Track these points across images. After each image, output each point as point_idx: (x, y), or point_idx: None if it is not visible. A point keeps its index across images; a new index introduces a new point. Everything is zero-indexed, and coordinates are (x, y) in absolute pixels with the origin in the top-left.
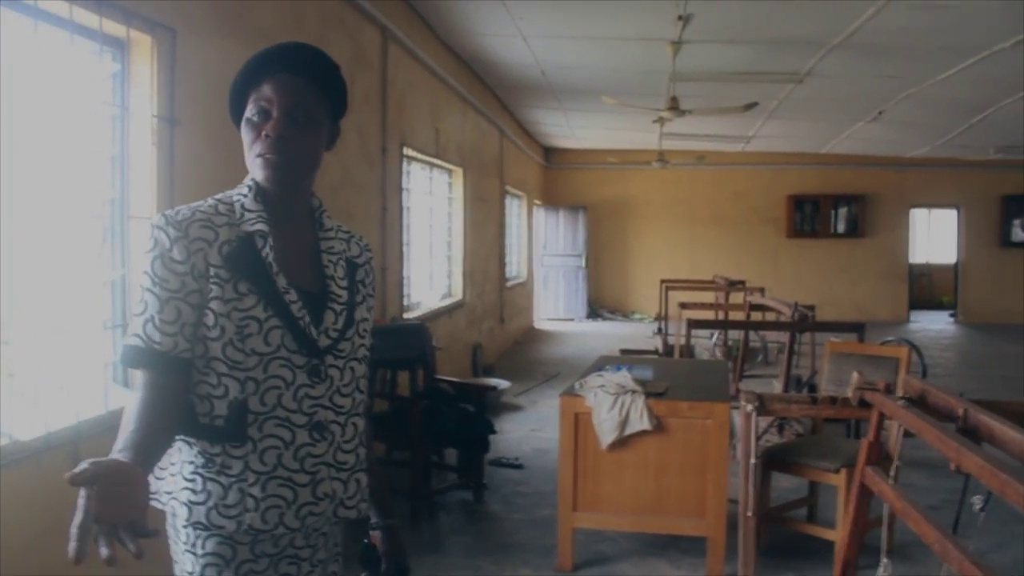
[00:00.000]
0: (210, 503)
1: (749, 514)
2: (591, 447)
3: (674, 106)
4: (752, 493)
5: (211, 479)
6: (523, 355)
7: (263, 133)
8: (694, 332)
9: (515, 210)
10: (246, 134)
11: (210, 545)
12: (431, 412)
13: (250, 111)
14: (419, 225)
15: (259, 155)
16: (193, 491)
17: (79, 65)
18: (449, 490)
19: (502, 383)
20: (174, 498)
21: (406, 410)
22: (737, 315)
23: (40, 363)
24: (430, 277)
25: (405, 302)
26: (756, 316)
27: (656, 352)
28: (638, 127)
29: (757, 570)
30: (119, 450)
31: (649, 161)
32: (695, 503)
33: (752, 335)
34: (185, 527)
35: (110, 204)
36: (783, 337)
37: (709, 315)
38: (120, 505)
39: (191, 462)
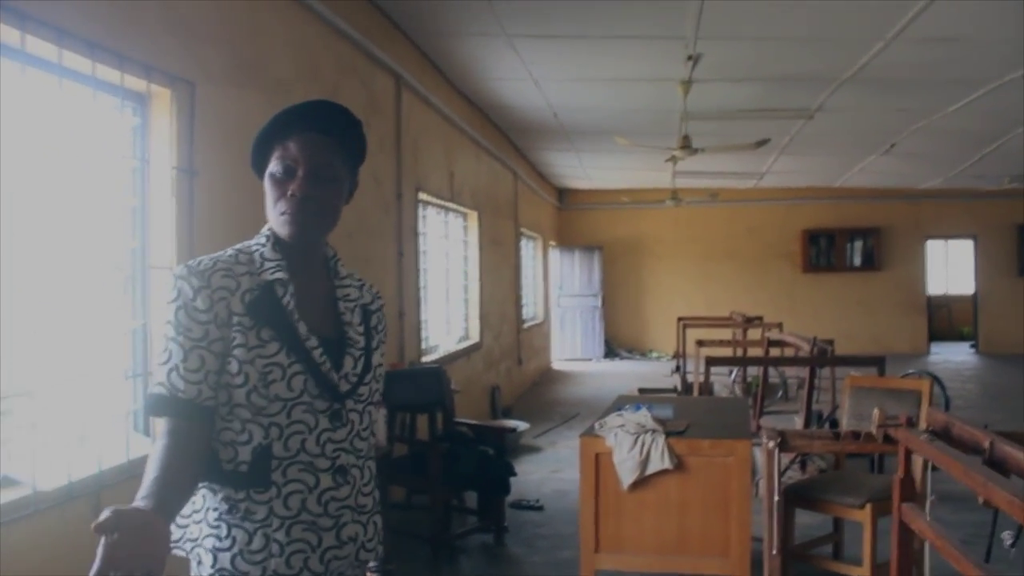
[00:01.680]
0: (235, 549)
1: (774, 552)
2: (612, 487)
3: (686, 144)
4: (777, 530)
5: (236, 525)
6: (541, 396)
7: (288, 192)
8: (713, 369)
9: (530, 251)
10: (270, 189)
11: None
12: (451, 455)
13: (275, 166)
14: (435, 268)
15: (283, 213)
16: (218, 537)
17: (101, 119)
18: (469, 533)
19: (521, 425)
20: (199, 546)
21: (426, 454)
22: (755, 351)
23: (62, 413)
24: (447, 320)
25: (423, 345)
26: (774, 352)
27: (675, 390)
28: (651, 166)
29: None
30: (142, 497)
31: (662, 200)
32: (718, 542)
33: (771, 371)
34: (214, 570)
35: (131, 254)
36: (802, 373)
37: (727, 352)
38: (137, 553)
39: (215, 508)
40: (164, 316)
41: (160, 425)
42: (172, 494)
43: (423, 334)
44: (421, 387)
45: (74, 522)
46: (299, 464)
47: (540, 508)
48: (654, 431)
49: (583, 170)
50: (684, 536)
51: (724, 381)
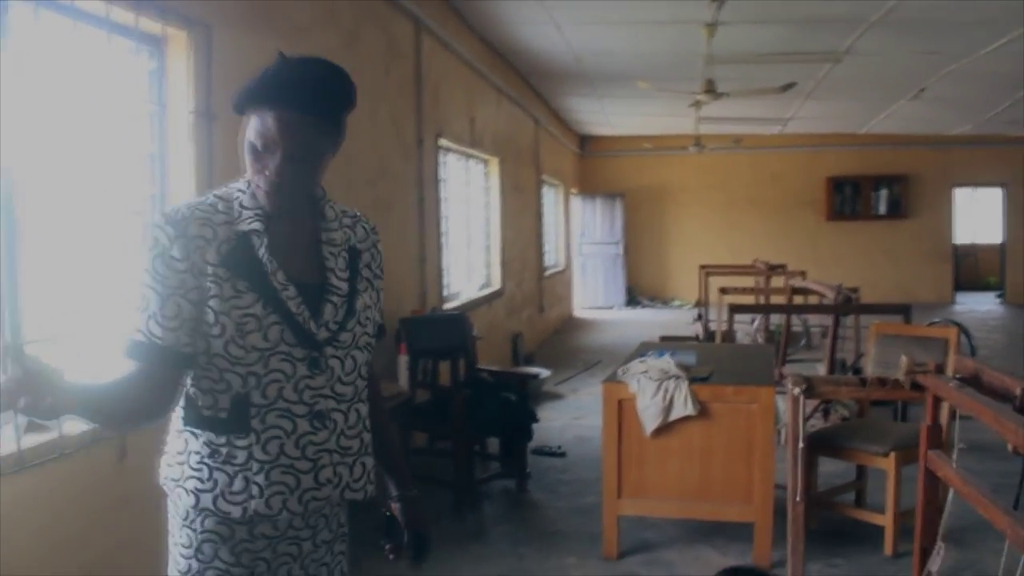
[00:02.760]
0: (217, 490)
1: (797, 499)
2: (635, 434)
3: (710, 89)
4: (800, 477)
5: (217, 468)
6: (563, 344)
7: (265, 171)
8: (735, 318)
9: (552, 199)
10: (248, 154)
11: (209, 523)
12: (473, 402)
13: (253, 134)
14: (456, 215)
15: (260, 187)
16: (200, 480)
17: (117, 63)
18: (492, 479)
19: (543, 371)
20: (180, 485)
21: (448, 400)
22: (778, 300)
23: (85, 358)
24: (468, 267)
25: (444, 292)
26: (798, 300)
27: (697, 338)
28: (674, 112)
29: (805, 556)
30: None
31: (685, 146)
32: (741, 489)
33: (794, 319)
34: (196, 509)
35: (150, 200)
36: (826, 321)
37: (750, 300)
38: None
39: (197, 452)
40: (141, 263)
41: (131, 367)
42: (94, 399)
43: (444, 280)
44: (443, 333)
45: (99, 466)
46: (277, 411)
47: (562, 454)
48: (677, 377)
49: (605, 116)
50: (707, 483)
51: (746, 330)
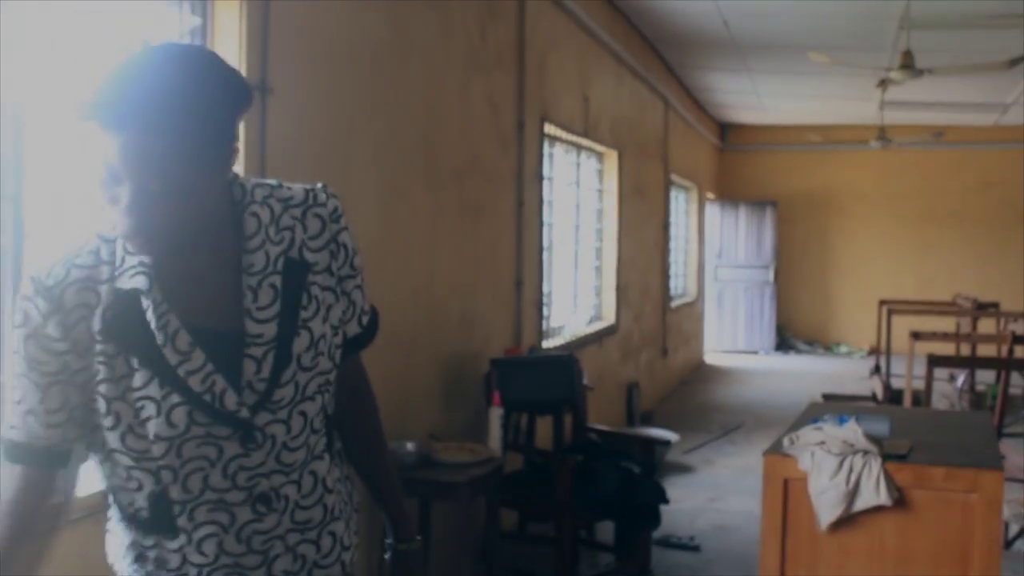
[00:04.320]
0: None
1: None
2: (805, 526)
3: (907, 63)
4: None
5: (151, 574)
6: (691, 399)
7: (116, 202)
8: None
9: (681, 205)
10: (98, 187)
11: None
12: (584, 473)
13: (97, 160)
14: (562, 224)
15: (120, 232)
16: None
17: (153, 18)
18: None
19: (673, 436)
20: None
21: (549, 468)
22: (988, 350)
23: None
24: (574, 294)
25: (544, 326)
26: (1019, 352)
27: (873, 399)
28: (850, 94)
29: None
30: None
31: (865, 140)
32: None
33: (1014, 378)
34: None
35: None
36: None
37: (949, 350)
38: None
39: (125, 557)
40: (11, 343)
41: (11, 471)
42: None
43: (545, 311)
44: (544, 380)
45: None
46: (207, 504)
47: (696, 548)
48: (866, 452)
49: (757, 98)
50: None
51: (943, 390)
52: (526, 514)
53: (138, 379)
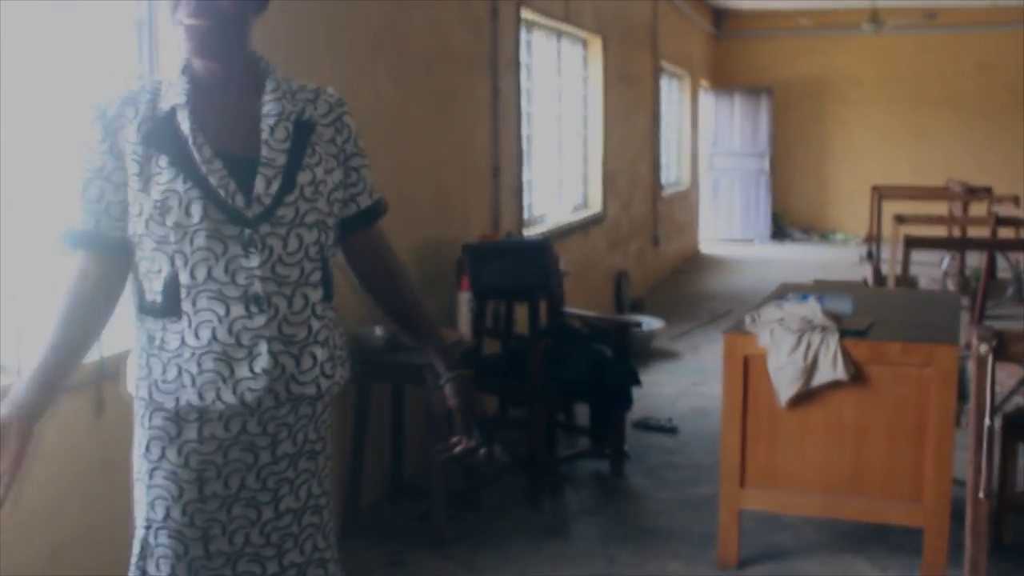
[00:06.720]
0: (152, 379)
1: (980, 496)
2: (765, 403)
3: None
4: (985, 468)
5: (153, 356)
6: (684, 287)
7: (176, 17)
8: (919, 257)
9: (674, 94)
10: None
11: (157, 420)
12: (556, 356)
13: None
14: (544, 114)
15: (179, 22)
16: (140, 367)
17: None
18: (579, 458)
19: (653, 322)
20: (130, 377)
21: (523, 353)
22: (979, 234)
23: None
24: (559, 183)
25: (525, 214)
26: (1006, 234)
27: (865, 284)
28: None
29: (988, 574)
30: (28, 377)
31: (857, 23)
32: (908, 482)
33: (1000, 261)
34: (140, 399)
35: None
36: None
37: (938, 233)
38: None
39: (138, 340)
40: (71, 153)
41: (67, 269)
42: (57, 372)
43: (526, 199)
44: (518, 266)
45: (72, 424)
46: (208, 293)
47: (673, 430)
48: (824, 329)
49: None
50: (861, 472)
51: (933, 275)
52: (504, 398)
53: (165, 176)
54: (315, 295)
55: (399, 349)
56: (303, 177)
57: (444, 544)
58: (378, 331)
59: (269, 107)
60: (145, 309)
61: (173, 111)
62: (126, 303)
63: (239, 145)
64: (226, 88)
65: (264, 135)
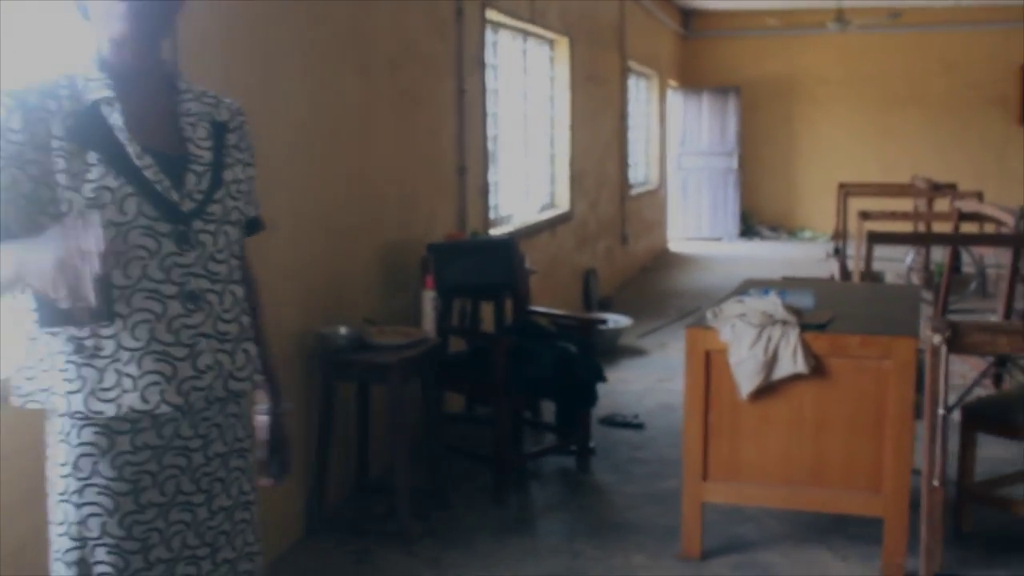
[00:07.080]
0: (87, 389)
1: (935, 483)
2: (727, 397)
3: None
4: (940, 456)
5: (84, 364)
6: (652, 285)
7: (110, 13)
8: (885, 253)
9: (642, 94)
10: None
11: (86, 435)
12: (521, 353)
13: None
14: (510, 114)
15: (105, 36)
16: (68, 380)
17: None
18: (545, 455)
19: (620, 319)
20: (53, 393)
21: (489, 351)
22: (944, 228)
23: None
24: (526, 182)
25: (491, 214)
26: (969, 229)
27: (831, 280)
28: None
29: (946, 561)
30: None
31: (823, 23)
32: (867, 473)
33: (964, 256)
34: (62, 417)
35: None
36: (1006, 257)
37: (905, 228)
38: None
39: (60, 351)
40: None
41: None
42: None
43: (492, 200)
44: (484, 264)
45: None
46: (143, 292)
47: (639, 426)
48: (785, 323)
49: None
50: (821, 464)
51: (899, 269)
52: (469, 396)
53: (95, 173)
54: (240, 292)
55: (364, 348)
56: (228, 175)
57: (410, 541)
58: (342, 331)
59: (187, 106)
60: (62, 318)
61: (97, 104)
62: (22, 318)
63: (163, 142)
64: (145, 85)
65: (187, 133)
